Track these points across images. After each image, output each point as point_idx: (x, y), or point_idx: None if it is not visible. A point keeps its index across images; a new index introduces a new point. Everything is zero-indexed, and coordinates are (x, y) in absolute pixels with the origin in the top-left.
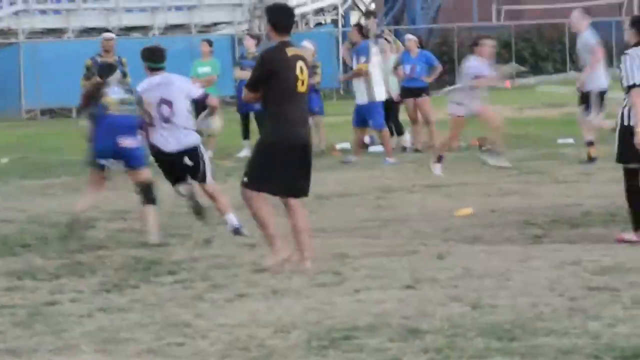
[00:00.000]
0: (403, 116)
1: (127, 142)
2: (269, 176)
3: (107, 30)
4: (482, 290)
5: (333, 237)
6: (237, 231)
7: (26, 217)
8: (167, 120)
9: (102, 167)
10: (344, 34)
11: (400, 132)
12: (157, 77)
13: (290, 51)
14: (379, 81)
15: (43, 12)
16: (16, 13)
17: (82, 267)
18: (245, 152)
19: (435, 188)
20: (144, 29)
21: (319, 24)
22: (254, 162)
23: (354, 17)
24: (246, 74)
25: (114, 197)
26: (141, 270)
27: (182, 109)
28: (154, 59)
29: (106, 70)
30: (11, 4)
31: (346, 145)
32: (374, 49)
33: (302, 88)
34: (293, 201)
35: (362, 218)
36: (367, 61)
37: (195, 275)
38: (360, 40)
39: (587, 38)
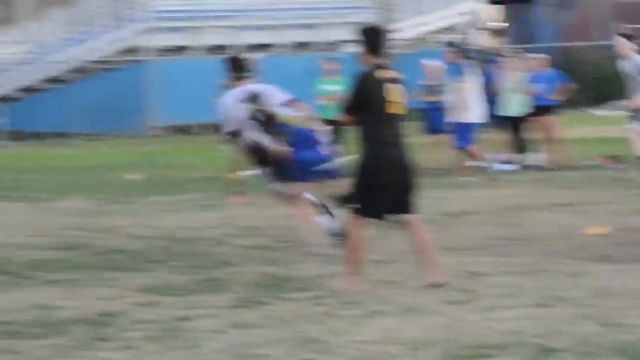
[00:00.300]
0: (529, 134)
1: (326, 149)
2: (376, 199)
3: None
4: (614, 309)
5: (463, 255)
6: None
7: (155, 233)
8: None
9: (315, 178)
10: None
11: (523, 151)
12: (246, 88)
13: (381, 73)
14: (474, 104)
15: (167, 30)
16: (141, 32)
17: (214, 283)
18: None
19: (564, 206)
20: (267, 47)
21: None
22: (358, 188)
23: (480, 36)
24: None
25: (246, 213)
26: (272, 286)
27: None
28: (242, 68)
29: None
30: (136, 22)
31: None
32: (469, 71)
33: (394, 110)
34: (410, 218)
35: (491, 236)
36: (462, 81)
37: (326, 292)
38: (456, 60)
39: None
